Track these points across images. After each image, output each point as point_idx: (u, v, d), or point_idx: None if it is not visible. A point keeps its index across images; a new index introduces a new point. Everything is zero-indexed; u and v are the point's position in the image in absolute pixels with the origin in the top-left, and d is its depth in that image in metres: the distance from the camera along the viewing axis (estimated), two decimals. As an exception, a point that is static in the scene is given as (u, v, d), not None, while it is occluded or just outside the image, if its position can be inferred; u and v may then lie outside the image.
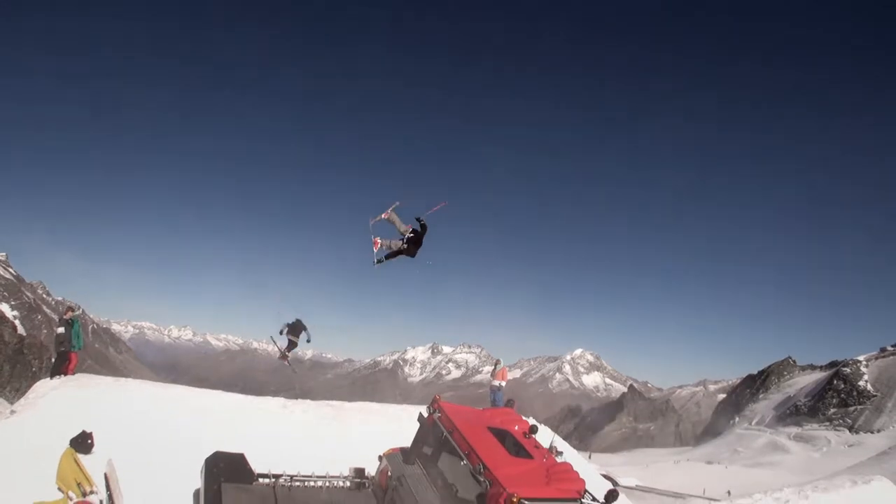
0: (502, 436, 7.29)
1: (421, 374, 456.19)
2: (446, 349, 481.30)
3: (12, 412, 10.96)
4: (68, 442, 7.96)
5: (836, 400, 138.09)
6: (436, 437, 7.31)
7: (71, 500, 5.64)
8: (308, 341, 17.09)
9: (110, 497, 5.57)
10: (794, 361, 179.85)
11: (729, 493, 25.10)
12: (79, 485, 5.77)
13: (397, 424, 12.48)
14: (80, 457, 6.70)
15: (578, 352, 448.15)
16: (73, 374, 12.50)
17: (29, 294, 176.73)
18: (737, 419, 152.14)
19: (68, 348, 12.61)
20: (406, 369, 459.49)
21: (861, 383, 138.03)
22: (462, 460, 6.58)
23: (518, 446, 7.27)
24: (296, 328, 16.96)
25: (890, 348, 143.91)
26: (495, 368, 16.19)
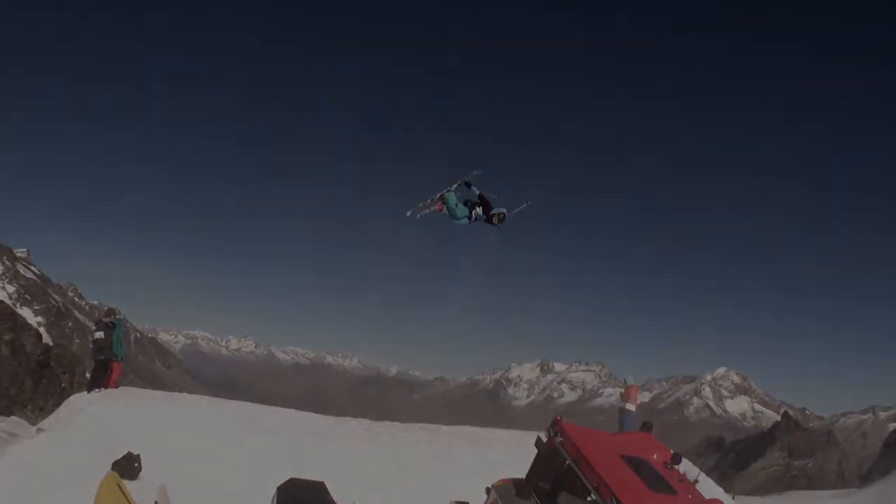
0: (639, 466, 7.00)
1: (528, 395, 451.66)
2: (559, 367, 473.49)
3: (39, 430, 10.83)
4: (110, 465, 7.63)
5: None
6: (556, 467, 7.04)
7: (112, 532, 5.02)
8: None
9: (161, 530, 4.90)
10: None
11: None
12: (122, 515, 5.18)
13: (504, 451, 11.91)
14: (125, 482, 6.37)
15: (721, 371, 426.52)
16: (117, 386, 12.27)
17: (57, 297, 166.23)
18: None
19: (109, 356, 12.43)
20: (510, 390, 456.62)
21: None
22: (589, 495, 6.39)
23: (658, 479, 6.94)
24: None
25: None
26: (624, 389, 16.33)
